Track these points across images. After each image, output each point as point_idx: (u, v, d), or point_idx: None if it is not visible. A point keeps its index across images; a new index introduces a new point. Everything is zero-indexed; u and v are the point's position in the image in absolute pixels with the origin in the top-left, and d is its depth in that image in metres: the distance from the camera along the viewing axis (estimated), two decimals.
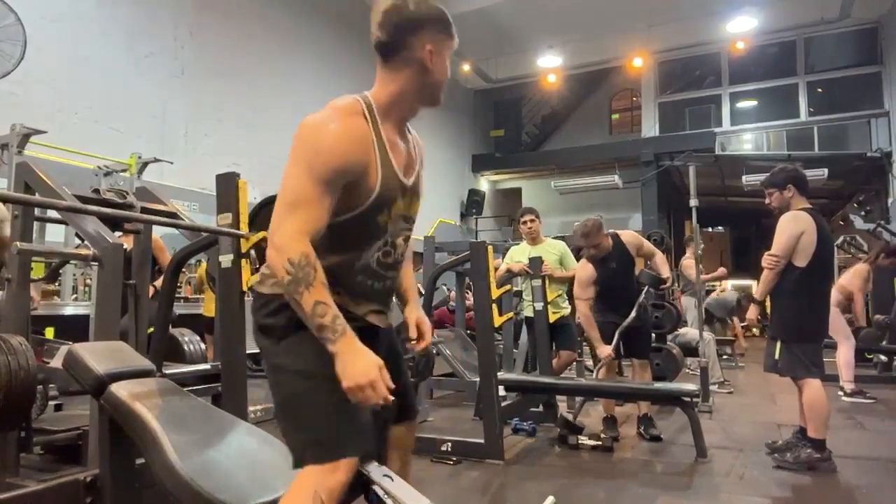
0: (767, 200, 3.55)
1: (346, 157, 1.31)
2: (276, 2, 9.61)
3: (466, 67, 14.02)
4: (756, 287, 3.58)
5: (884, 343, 6.87)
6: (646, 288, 4.09)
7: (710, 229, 18.75)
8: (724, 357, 7.57)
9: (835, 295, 5.63)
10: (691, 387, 3.77)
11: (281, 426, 1.37)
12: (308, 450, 1.32)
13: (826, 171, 10.53)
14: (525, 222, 4.95)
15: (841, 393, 5.42)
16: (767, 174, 3.61)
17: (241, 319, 2.41)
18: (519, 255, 4.92)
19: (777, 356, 3.36)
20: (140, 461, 1.67)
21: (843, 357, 5.54)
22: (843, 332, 5.61)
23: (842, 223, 13.42)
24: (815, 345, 3.38)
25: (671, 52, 14.02)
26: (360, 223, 1.39)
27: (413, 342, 1.61)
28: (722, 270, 7.57)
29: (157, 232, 3.37)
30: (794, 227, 3.31)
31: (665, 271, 4.12)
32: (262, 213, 2.75)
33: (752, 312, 3.76)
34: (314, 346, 1.30)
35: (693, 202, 5.43)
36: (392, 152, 1.43)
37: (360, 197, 1.37)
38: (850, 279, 6.06)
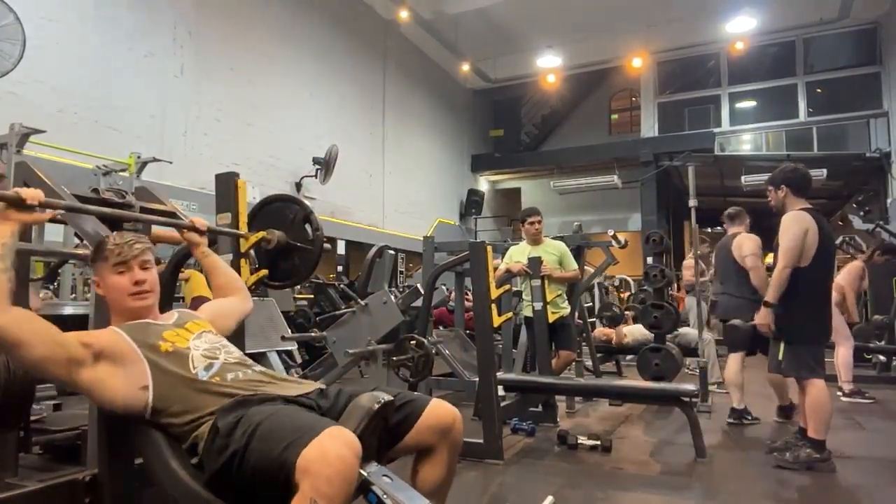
0: (769, 198, 3.56)
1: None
2: (276, 1, 9.61)
3: (465, 67, 14.03)
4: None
5: (883, 343, 6.88)
6: None
7: (709, 229, 18.76)
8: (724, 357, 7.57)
9: (832, 294, 5.62)
10: (690, 387, 3.76)
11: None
12: (289, 450, 1.28)
13: (825, 171, 10.54)
14: (533, 223, 4.94)
15: (840, 393, 5.42)
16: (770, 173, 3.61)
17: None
18: (518, 255, 4.91)
19: (781, 357, 3.35)
20: (139, 461, 1.67)
21: (842, 357, 5.54)
22: (842, 332, 5.60)
23: (841, 223, 13.42)
24: (819, 346, 3.37)
25: (670, 53, 14.03)
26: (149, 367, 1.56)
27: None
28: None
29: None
30: (798, 227, 3.29)
31: None
32: (262, 213, 2.75)
33: (763, 318, 3.36)
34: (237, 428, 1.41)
35: (692, 202, 5.42)
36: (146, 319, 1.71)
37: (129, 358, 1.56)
38: (844, 276, 6.04)
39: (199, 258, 2.11)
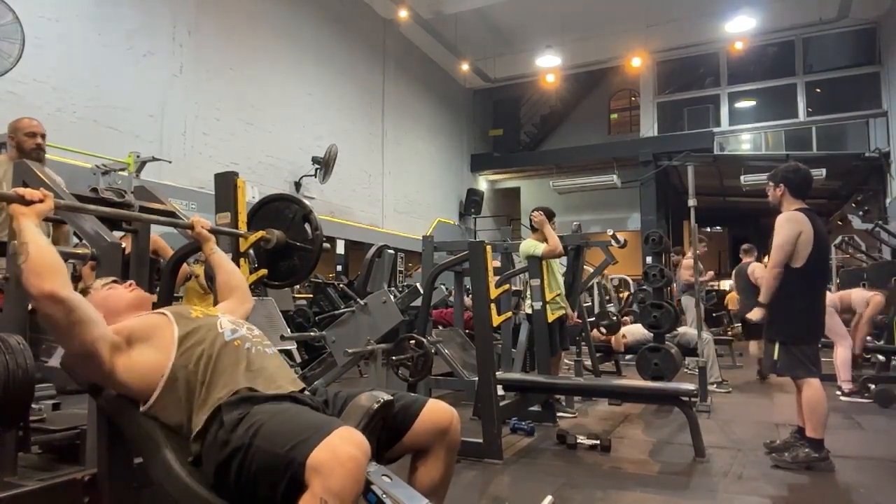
0: (768, 194, 3.58)
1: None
2: (275, 1, 9.60)
3: (465, 67, 14.02)
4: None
5: (882, 343, 6.87)
6: None
7: (708, 229, 18.77)
8: (722, 356, 7.57)
9: (831, 298, 5.64)
10: (690, 386, 3.76)
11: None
12: (297, 450, 1.28)
13: (824, 171, 10.56)
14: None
15: (839, 393, 5.43)
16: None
17: None
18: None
19: (776, 357, 3.36)
20: (138, 460, 1.67)
21: (841, 357, 5.54)
22: (839, 331, 5.61)
23: (840, 223, 13.46)
24: (813, 345, 3.38)
25: (670, 52, 14.03)
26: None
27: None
28: (710, 274, 7.89)
29: (157, 231, 3.35)
30: (791, 229, 3.30)
31: None
32: (261, 212, 2.76)
33: (756, 314, 3.51)
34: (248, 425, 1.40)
35: (691, 202, 5.43)
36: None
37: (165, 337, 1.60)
38: (861, 304, 5.87)
39: (207, 254, 2.15)
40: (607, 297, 8.81)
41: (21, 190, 1.58)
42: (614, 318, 7.15)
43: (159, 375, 1.53)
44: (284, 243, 2.62)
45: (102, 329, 1.49)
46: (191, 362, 1.54)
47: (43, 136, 3.29)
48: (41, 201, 1.58)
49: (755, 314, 3.57)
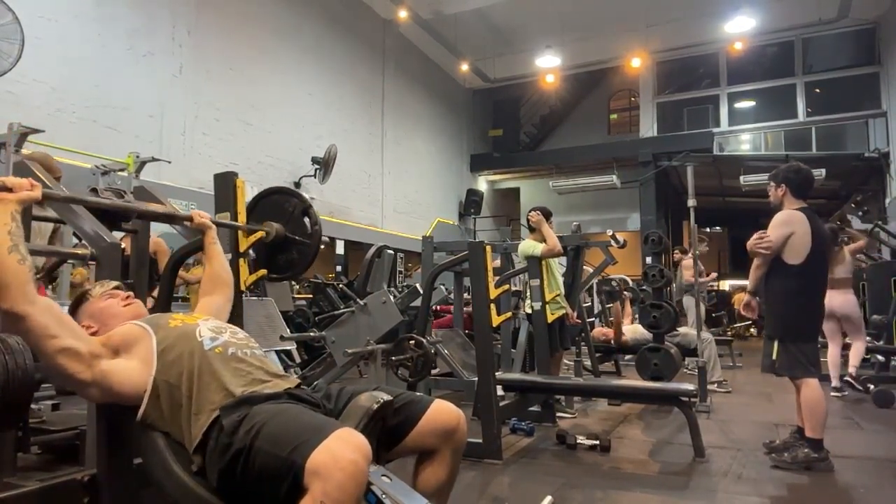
0: (769, 194, 3.59)
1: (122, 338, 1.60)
2: (275, 1, 9.60)
3: (465, 67, 14.02)
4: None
5: (881, 343, 6.88)
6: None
7: (708, 229, 18.79)
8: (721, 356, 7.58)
9: (847, 297, 5.62)
10: (689, 387, 3.76)
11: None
12: (296, 452, 1.27)
13: (824, 171, 10.57)
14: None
15: (841, 386, 5.43)
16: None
17: (240, 319, 2.41)
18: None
19: (775, 356, 3.35)
20: (138, 460, 1.66)
21: (856, 349, 5.64)
22: (861, 327, 5.69)
23: (839, 223, 13.42)
24: (812, 344, 3.38)
25: (669, 53, 14.03)
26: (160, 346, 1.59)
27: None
28: (713, 275, 7.90)
29: (157, 232, 3.35)
30: (784, 229, 3.32)
31: None
32: (261, 205, 2.75)
33: (741, 301, 3.67)
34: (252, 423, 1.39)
35: (691, 202, 5.43)
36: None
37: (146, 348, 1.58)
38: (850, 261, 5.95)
39: (207, 244, 2.14)
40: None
41: (6, 179, 1.50)
42: (616, 285, 7.17)
43: (143, 390, 1.51)
44: (283, 237, 2.61)
45: (68, 341, 1.43)
46: (172, 377, 1.51)
47: None
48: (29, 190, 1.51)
49: (742, 301, 3.66)
